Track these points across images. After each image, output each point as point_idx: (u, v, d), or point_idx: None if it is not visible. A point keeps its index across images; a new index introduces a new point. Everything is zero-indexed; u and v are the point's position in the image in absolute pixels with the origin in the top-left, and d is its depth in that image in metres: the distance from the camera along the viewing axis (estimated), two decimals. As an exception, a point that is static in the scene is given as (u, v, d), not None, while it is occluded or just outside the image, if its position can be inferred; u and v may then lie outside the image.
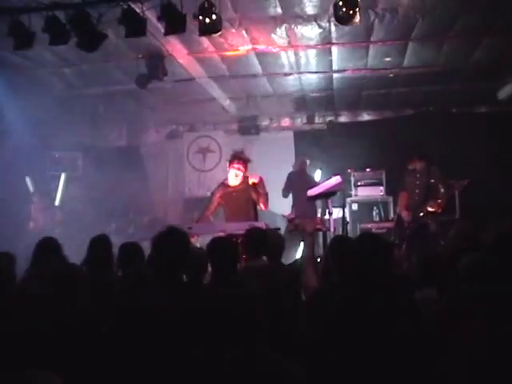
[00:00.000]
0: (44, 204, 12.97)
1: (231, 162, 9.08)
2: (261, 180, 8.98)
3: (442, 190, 10.02)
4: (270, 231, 6.35)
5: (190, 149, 14.77)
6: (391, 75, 11.09)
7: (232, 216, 9.06)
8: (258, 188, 8.94)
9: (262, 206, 8.97)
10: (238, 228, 7.26)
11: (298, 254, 9.80)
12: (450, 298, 4.10)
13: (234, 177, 9.03)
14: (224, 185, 9.21)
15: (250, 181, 8.85)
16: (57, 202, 13.69)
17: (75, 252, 6.18)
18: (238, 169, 8.99)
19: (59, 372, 3.00)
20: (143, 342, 3.60)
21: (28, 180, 13.38)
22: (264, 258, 5.79)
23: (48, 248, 5.93)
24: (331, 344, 3.68)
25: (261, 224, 7.71)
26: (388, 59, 10.13)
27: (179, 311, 3.79)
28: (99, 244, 6.05)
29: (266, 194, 9.02)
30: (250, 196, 9.03)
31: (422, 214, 9.94)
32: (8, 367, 2.83)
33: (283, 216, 8.17)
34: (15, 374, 2.82)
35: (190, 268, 4.73)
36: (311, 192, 9.53)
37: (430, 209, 9.90)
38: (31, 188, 13.33)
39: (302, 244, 9.85)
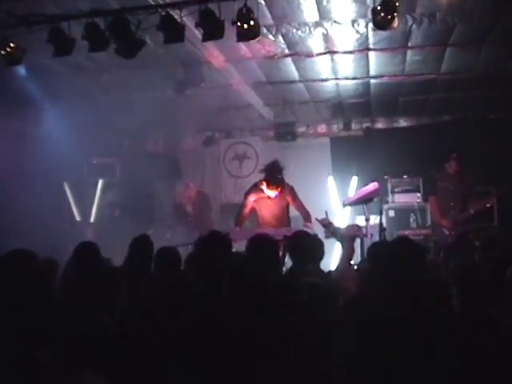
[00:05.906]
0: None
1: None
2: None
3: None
4: (311, 237, 6.29)
5: (227, 155, 14.76)
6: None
7: (264, 222, 9.09)
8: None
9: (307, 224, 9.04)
10: (276, 233, 7.25)
11: (335, 261, 9.74)
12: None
13: (271, 194, 9.08)
14: (259, 189, 9.20)
15: None
16: (94, 208, 13.88)
17: (112, 257, 6.26)
18: (275, 190, 9.02)
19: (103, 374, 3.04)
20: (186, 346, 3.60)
21: (66, 185, 13.58)
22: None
23: (87, 252, 5.97)
24: (367, 351, 3.65)
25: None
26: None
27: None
28: (141, 243, 6.11)
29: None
30: (285, 204, 9.06)
31: (470, 213, 9.98)
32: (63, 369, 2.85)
33: (317, 219, 7.97)
34: (69, 374, 2.86)
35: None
36: (348, 198, 9.51)
37: (472, 211, 9.91)
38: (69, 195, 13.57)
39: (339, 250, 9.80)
